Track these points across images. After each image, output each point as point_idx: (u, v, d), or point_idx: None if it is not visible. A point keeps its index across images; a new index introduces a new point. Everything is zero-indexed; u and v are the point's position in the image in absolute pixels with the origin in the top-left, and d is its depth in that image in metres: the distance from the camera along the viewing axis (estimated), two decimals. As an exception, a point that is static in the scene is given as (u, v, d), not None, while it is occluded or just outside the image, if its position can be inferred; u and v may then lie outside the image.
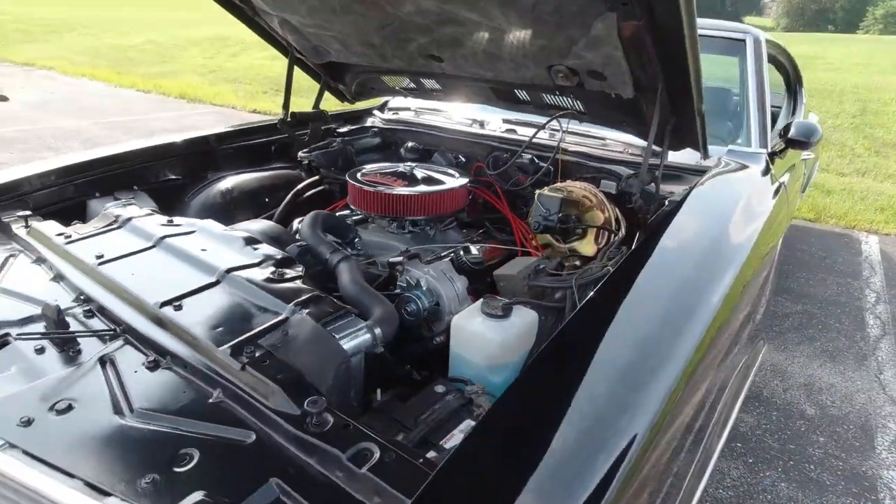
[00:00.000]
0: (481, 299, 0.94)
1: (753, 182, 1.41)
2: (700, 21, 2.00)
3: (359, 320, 0.87)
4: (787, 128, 1.76)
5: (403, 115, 2.11)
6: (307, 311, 0.84)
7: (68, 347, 0.84)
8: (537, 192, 1.30)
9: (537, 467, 0.57)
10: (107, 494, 0.62)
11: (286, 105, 1.84)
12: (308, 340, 0.80)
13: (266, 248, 1.06)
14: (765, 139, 1.64)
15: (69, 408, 0.73)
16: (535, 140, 1.61)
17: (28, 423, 0.70)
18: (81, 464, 0.65)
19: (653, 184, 1.29)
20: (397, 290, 1.10)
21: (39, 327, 0.88)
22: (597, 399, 0.65)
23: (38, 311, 0.90)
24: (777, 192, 1.49)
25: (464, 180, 1.45)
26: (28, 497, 0.65)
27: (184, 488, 0.62)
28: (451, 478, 0.56)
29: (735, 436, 1.85)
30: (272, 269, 0.99)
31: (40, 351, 0.84)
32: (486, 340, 0.88)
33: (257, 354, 0.77)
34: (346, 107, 2.17)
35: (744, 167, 1.49)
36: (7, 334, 0.87)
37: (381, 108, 2.24)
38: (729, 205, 1.20)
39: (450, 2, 1.11)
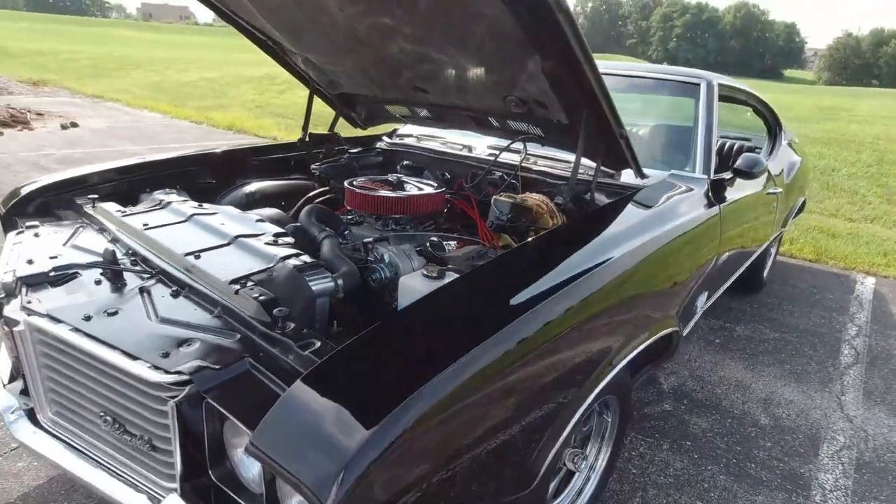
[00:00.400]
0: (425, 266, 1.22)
1: (684, 199, 1.66)
2: (664, 67, 2.29)
3: (327, 272, 1.16)
4: (734, 160, 2.00)
5: (407, 140, 2.46)
6: (288, 261, 1.15)
7: (118, 281, 1.16)
8: (493, 197, 1.59)
9: (412, 356, 0.84)
10: (135, 358, 0.92)
11: (305, 127, 2.21)
12: (285, 279, 1.09)
13: (268, 226, 1.38)
14: (707, 166, 1.88)
15: (116, 312, 1.04)
16: (509, 161, 1.92)
17: (88, 318, 1.02)
18: (121, 342, 0.95)
19: (588, 194, 1.57)
20: (367, 264, 1.39)
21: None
22: (476, 313, 0.92)
23: (99, 259, 1.23)
24: (710, 210, 1.73)
25: (439, 190, 1.75)
26: (84, 360, 0.96)
27: (186, 359, 0.91)
28: (354, 352, 0.84)
29: (686, 435, 2.02)
30: (270, 238, 1.30)
31: (98, 283, 1.16)
32: (422, 295, 1.15)
33: (248, 285, 1.07)
34: (360, 132, 2.53)
35: (685, 188, 1.75)
36: (77, 271, 1.20)
37: (391, 134, 2.60)
38: (645, 211, 1.46)
39: (422, 45, 1.44)
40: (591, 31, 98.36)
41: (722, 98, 2.28)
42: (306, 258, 1.17)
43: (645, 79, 2.22)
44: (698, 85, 2.08)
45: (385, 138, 2.55)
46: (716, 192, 1.87)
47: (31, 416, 1.13)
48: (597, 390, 1.11)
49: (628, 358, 1.20)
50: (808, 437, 2.06)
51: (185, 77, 14.79)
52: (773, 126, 3.05)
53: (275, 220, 1.50)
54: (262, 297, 1.01)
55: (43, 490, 1.56)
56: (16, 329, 1.05)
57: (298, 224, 1.48)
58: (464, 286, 1.03)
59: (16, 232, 1.45)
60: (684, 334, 1.66)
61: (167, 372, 0.88)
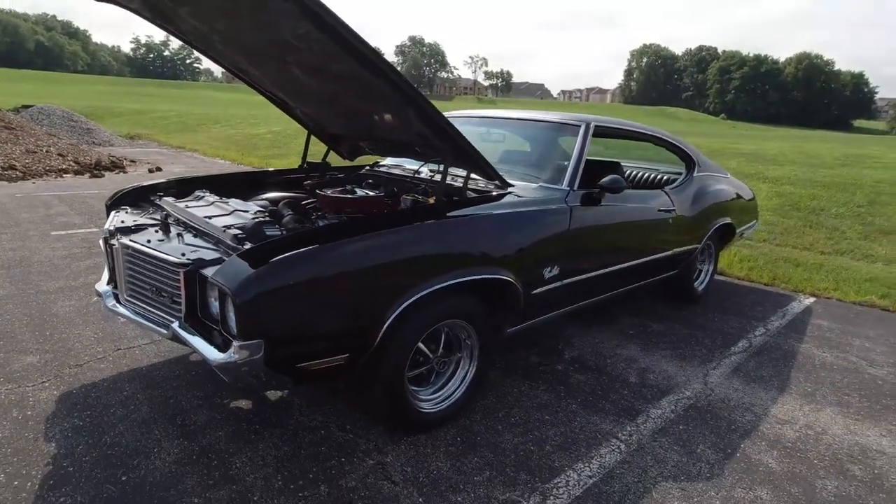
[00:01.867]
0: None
1: (538, 197, 2.43)
2: (558, 113, 3.08)
3: (277, 226, 2.02)
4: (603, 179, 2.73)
5: (381, 168, 3.36)
6: (256, 220, 2.03)
7: (167, 230, 2.08)
8: (402, 196, 2.43)
9: (292, 247, 1.68)
10: (168, 255, 1.81)
11: (304, 157, 3.17)
12: (252, 227, 1.96)
13: (255, 207, 2.28)
14: (573, 181, 2.63)
15: (162, 240, 1.96)
16: (434, 176, 2.77)
17: (149, 241, 1.94)
18: (163, 250, 1.85)
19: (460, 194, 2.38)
20: (313, 232, 2.25)
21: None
22: (335, 233, 1.75)
23: (158, 220, 2.17)
24: (560, 206, 2.47)
25: (374, 195, 2.59)
26: (145, 259, 1.87)
27: (192, 255, 1.80)
28: (267, 246, 1.69)
29: (563, 383, 2.67)
30: (253, 212, 2.19)
31: (157, 231, 2.09)
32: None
33: (231, 229, 1.95)
34: (349, 163, 3.46)
35: (546, 193, 2.51)
36: (146, 226, 2.14)
37: (373, 164, 3.52)
38: (497, 200, 2.26)
39: (359, 100, 2.34)
40: (647, 84, 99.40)
41: (603, 135, 3.05)
42: (267, 219, 2.05)
43: (544, 122, 3.04)
44: (579, 126, 2.87)
45: (368, 167, 3.47)
46: (585, 200, 2.61)
47: (116, 297, 2.06)
48: (414, 297, 1.86)
49: (442, 285, 1.94)
50: (661, 391, 2.66)
51: (254, 131, 16.82)
52: (687, 161, 3.72)
53: (264, 207, 2.41)
54: (234, 233, 1.89)
55: (115, 378, 2.47)
56: (114, 247, 2.00)
57: (275, 209, 2.37)
58: (337, 226, 1.87)
59: (115, 211, 2.44)
60: (533, 293, 2.38)
61: (181, 259, 1.77)
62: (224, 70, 2.73)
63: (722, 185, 3.95)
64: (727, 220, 3.92)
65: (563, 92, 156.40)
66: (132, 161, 10.75)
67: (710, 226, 3.74)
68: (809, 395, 2.68)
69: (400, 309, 1.83)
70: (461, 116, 3.50)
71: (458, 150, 2.24)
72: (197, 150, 13.22)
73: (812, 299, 4.28)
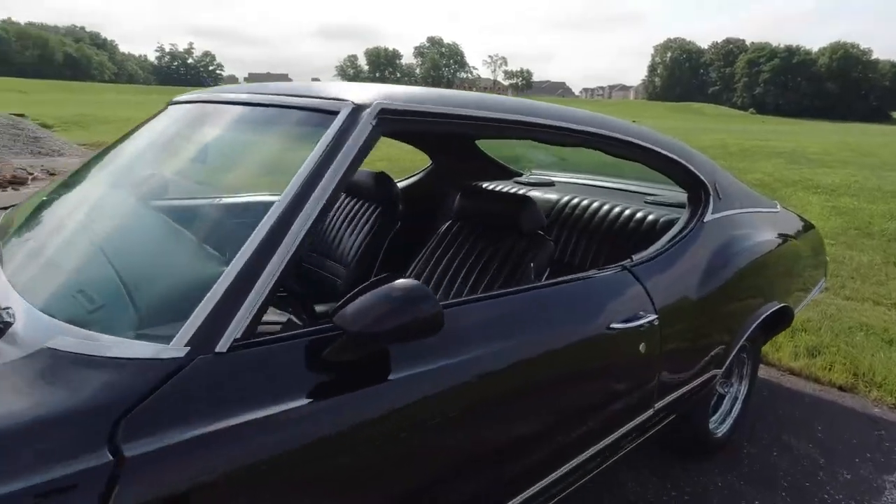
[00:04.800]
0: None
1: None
2: (325, 87, 1.21)
3: None
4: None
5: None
6: None
7: None
8: None
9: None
10: None
11: None
12: None
13: None
14: (210, 332, 0.75)
15: None
16: None
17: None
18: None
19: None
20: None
21: None
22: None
23: None
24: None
25: None
26: None
27: None
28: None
29: None
30: None
31: None
32: None
33: None
34: None
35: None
36: None
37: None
38: None
39: None
40: (671, 80, 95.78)
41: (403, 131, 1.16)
42: None
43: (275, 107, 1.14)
44: (336, 113, 0.97)
45: None
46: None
47: None
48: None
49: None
50: None
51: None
52: (693, 187, 1.77)
53: None
54: None
55: None
56: None
57: None
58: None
59: None
60: None
61: None
62: None
63: (765, 234, 1.98)
64: (776, 303, 1.95)
65: (585, 90, 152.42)
66: (52, 174, 9.26)
67: (743, 324, 1.78)
68: None
69: None
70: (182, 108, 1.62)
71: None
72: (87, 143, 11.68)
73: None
